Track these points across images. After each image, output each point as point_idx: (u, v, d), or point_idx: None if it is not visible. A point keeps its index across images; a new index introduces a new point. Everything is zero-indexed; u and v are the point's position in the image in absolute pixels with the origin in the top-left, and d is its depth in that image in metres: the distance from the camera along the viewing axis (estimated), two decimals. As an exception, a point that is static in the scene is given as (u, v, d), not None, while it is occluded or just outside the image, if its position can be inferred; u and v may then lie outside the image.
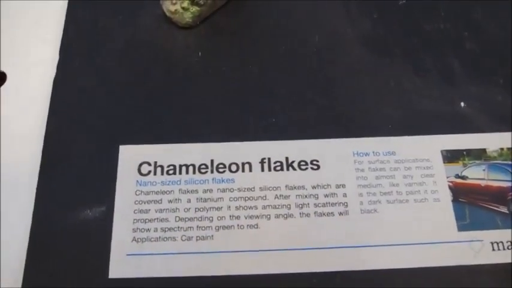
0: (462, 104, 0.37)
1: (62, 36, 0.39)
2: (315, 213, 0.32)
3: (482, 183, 0.33)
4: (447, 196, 0.33)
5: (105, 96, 0.37)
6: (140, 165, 0.34)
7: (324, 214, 0.32)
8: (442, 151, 0.35)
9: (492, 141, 0.35)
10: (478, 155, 0.34)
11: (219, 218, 0.32)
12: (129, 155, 0.34)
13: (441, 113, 0.36)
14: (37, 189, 0.33)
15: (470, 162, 0.34)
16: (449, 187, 0.33)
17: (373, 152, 0.35)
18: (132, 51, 0.39)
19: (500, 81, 0.37)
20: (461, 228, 0.32)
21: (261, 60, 0.39)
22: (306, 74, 0.38)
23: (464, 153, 0.35)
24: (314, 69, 0.38)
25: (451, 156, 0.34)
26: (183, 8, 0.39)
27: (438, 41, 0.40)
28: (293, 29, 0.41)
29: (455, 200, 0.33)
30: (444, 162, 0.34)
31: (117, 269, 0.30)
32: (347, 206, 0.33)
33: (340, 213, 0.32)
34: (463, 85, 0.38)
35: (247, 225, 0.32)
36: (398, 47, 0.40)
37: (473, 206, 0.33)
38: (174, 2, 0.39)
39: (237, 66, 0.38)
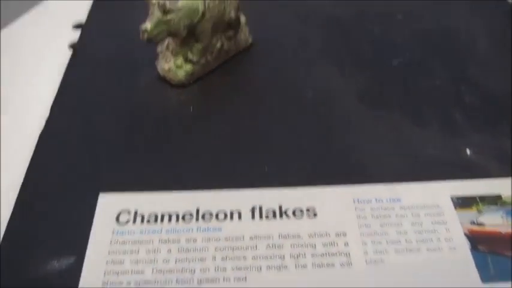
0: (468, 151, 0.34)
1: (56, 93, 0.39)
2: (312, 264, 0.28)
3: (503, 230, 0.30)
4: (464, 244, 0.29)
5: (91, 145, 0.35)
6: (119, 213, 0.31)
7: (323, 265, 0.28)
8: (452, 197, 0.31)
9: (505, 186, 0.32)
10: (494, 200, 0.31)
11: (202, 270, 0.28)
12: (109, 203, 0.31)
13: (447, 159, 0.34)
14: (4, 235, 0.29)
15: (486, 208, 0.31)
16: (466, 235, 0.29)
17: (376, 199, 0.31)
18: (122, 106, 0.38)
19: (505, 128, 0.35)
20: (486, 279, 0.27)
21: (253, 112, 0.38)
22: (300, 125, 0.37)
23: (478, 199, 0.31)
24: (309, 121, 0.37)
25: (463, 203, 0.31)
26: (176, 66, 0.39)
27: (436, 96, 0.39)
28: (287, 85, 0.40)
29: (474, 249, 0.29)
30: (456, 209, 0.31)
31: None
32: (349, 256, 0.28)
33: (342, 264, 0.28)
34: (467, 133, 0.36)
35: (234, 278, 0.28)
36: (394, 101, 0.39)
37: (495, 254, 0.28)
38: (168, 60, 0.40)
39: (229, 118, 0.37)
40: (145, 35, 0.35)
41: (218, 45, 0.40)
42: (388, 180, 0.32)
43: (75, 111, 0.38)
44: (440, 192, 0.32)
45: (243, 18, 0.42)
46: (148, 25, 0.35)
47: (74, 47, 0.44)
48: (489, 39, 0.45)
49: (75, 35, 0.46)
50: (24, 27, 0.48)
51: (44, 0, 0.52)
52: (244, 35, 0.43)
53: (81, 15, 0.49)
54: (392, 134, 0.36)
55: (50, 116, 0.37)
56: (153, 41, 0.36)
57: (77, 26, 0.48)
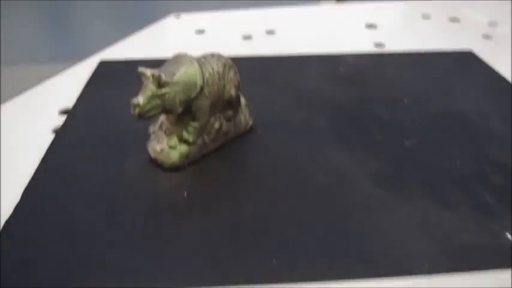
0: (509, 235, 0.29)
1: (30, 179, 0.35)
2: None
3: None
4: None
5: (64, 238, 0.30)
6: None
7: None
8: (504, 291, 0.26)
9: None
10: (554, 294, 0.26)
11: None
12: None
13: (486, 246, 0.29)
14: None
15: (547, 304, 0.25)
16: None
17: (411, 296, 0.26)
18: (106, 193, 0.33)
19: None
20: None
21: (256, 198, 0.33)
22: (311, 212, 0.32)
23: (534, 292, 0.26)
24: (321, 207, 0.32)
25: (518, 298, 0.25)
26: (170, 147, 0.35)
27: (459, 177, 0.35)
28: (293, 169, 0.36)
29: None
30: (512, 305, 0.25)
31: None
32: None
33: None
34: (503, 215, 0.31)
35: None
36: (414, 183, 0.34)
37: None
38: (160, 140, 0.36)
39: (229, 205, 0.32)
40: (137, 110, 0.32)
41: (216, 125, 0.37)
42: (418, 272, 0.27)
43: (50, 198, 0.33)
44: (487, 284, 0.26)
45: (243, 100, 0.39)
46: (140, 99, 0.32)
47: (57, 131, 0.41)
48: (499, 117, 0.43)
49: (62, 120, 0.43)
50: (12, 110, 0.45)
51: (36, 86, 0.50)
52: (245, 117, 0.40)
53: (71, 101, 0.46)
54: (418, 219, 0.31)
55: (19, 204, 0.32)
56: (144, 117, 0.32)
57: (64, 112, 0.45)
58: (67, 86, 0.49)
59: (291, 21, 0.68)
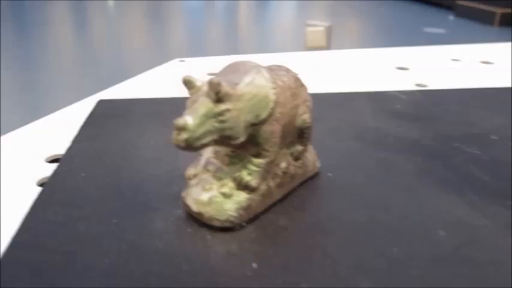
0: None
1: (2, 253, 0.22)
2: None
3: None
4: None
5: None
6: None
7: None
8: None
9: None
10: None
11: None
12: None
13: None
14: None
15: None
16: None
17: None
18: (131, 271, 0.21)
19: None
20: None
21: (360, 269, 0.22)
22: (441, 282, 0.20)
23: None
24: (460, 277, 0.21)
25: None
26: (223, 195, 0.24)
27: None
28: (395, 222, 0.25)
29: None
30: None
31: None
32: None
33: None
34: None
35: None
36: None
37: None
38: (207, 187, 0.24)
39: (321, 280, 0.21)
40: (184, 135, 0.21)
41: (283, 165, 0.26)
42: None
43: (34, 273, 0.21)
44: None
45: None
46: (189, 119, 0.21)
47: (43, 185, 0.29)
48: None
49: (49, 170, 0.31)
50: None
51: (18, 129, 0.37)
52: (312, 157, 0.29)
53: (60, 148, 0.34)
54: None
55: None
56: (194, 148, 0.21)
57: (53, 160, 0.33)
58: (56, 129, 0.38)
59: (312, 65, 0.59)
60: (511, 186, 0.29)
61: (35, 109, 1.66)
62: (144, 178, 0.29)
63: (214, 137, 0.22)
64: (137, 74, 0.58)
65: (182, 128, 0.21)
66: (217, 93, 0.21)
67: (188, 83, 0.22)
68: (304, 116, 0.26)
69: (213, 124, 0.21)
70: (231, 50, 2.57)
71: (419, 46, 0.72)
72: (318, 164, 0.30)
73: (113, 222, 0.25)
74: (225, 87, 0.21)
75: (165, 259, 0.22)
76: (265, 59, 0.61)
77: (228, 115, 0.22)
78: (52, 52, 2.42)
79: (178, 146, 0.21)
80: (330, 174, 0.30)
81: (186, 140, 0.21)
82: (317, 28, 2.12)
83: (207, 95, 0.21)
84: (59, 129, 0.38)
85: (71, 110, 0.42)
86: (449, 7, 3.96)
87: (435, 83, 0.53)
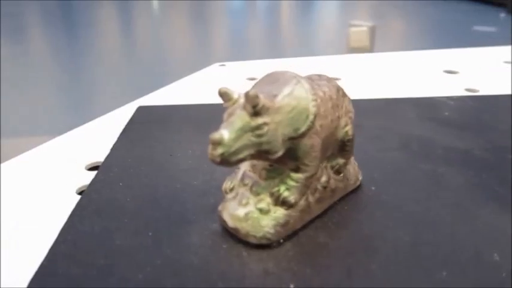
0: None
1: (42, 260, 0.22)
2: None
3: None
4: None
5: None
6: None
7: None
8: None
9: None
10: None
11: None
12: None
13: None
14: None
15: None
16: None
17: None
18: (167, 279, 0.21)
19: None
20: None
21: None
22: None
23: None
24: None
25: None
26: (260, 211, 0.23)
27: None
28: (445, 242, 0.23)
29: None
30: None
31: None
32: None
33: None
34: None
35: None
36: None
37: None
38: (244, 202, 0.23)
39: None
40: (219, 150, 0.20)
41: (323, 179, 0.25)
42: None
43: (70, 286, 0.20)
44: None
45: (351, 143, 0.28)
46: (225, 133, 0.20)
47: (83, 193, 0.29)
48: None
49: (89, 178, 0.31)
50: (29, 163, 0.33)
51: (57, 137, 0.38)
52: (354, 169, 0.28)
53: (99, 156, 0.34)
54: None
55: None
56: (230, 163, 0.21)
57: (92, 168, 0.33)
58: (97, 136, 0.38)
59: (355, 68, 0.58)
60: None
61: (78, 109, 1.72)
62: (181, 188, 0.29)
63: (251, 151, 0.21)
64: (179, 76, 0.58)
65: (218, 143, 0.20)
66: (254, 106, 0.20)
67: (224, 95, 0.21)
68: (347, 128, 0.25)
69: (249, 138, 0.21)
70: (272, 51, 2.57)
71: (468, 48, 0.69)
72: (360, 177, 0.28)
73: (148, 235, 0.24)
74: (263, 100, 0.20)
75: (199, 275, 0.21)
76: (305, 63, 0.60)
77: (265, 129, 0.21)
78: (97, 52, 2.49)
79: (214, 161, 0.20)
80: (373, 188, 0.28)
81: (222, 155, 0.20)
82: (360, 28, 2.08)
83: (244, 107, 0.21)
84: (99, 136, 0.38)
85: (112, 116, 0.42)
86: (501, 4, 3.79)
87: (486, 88, 0.50)
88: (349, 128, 0.25)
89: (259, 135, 0.21)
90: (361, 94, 0.48)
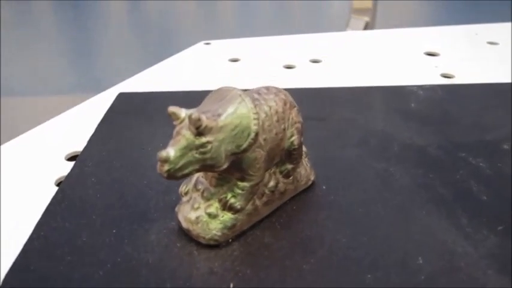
0: None
1: (19, 251, 0.25)
2: None
3: None
4: None
5: None
6: None
7: None
8: None
9: None
10: None
11: None
12: None
13: None
14: None
15: None
16: None
17: None
18: (119, 279, 0.24)
19: None
20: None
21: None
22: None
23: None
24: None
25: None
26: (209, 215, 0.25)
27: None
28: (379, 245, 0.26)
29: None
30: None
31: None
32: None
33: None
34: None
35: None
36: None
37: None
38: (195, 206, 0.26)
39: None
40: (166, 167, 0.22)
41: (271, 184, 0.27)
42: None
43: (41, 281, 0.23)
44: None
45: (304, 147, 0.30)
46: (171, 151, 0.22)
47: (58, 188, 0.31)
48: None
49: (67, 169, 0.33)
50: (10, 153, 0.36)
51: (40, 125, 0.41)
52: (305, 170, 0.30)
53: (79, 145, 0.37)
54: None
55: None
56: (176, 177, 0.23)
57: (71, 158, 0.36)
58: (77, 124, 0.40)
59: (338, 48, 0.59)
60: (510, 207, 0.29)
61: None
62: (147, 185, 0.31)
63: (196, 166, 0.23)
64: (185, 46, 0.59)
65: (164, 160, 0.22)
66: (197, 128, 0.22)
67: (173, 115, 0.23)
68: (292, 139, 0.27)
69: (194, 155, 0.23)
70: (269, 22, 2.51)
71: (451, 26, 0.68)
72: (312, 177, 0.30)
73: (112, 232, 0.27)
74: (205, 121, 0.22)
75: (151, 274, 0.24)
76: (286, 42, 0.60)
77: (209, 146, 0.23)
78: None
79: (162, 176, 0.23)
80: (324, 187, 0.31)
81: (168, 171, 0.22)
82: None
83: (189, 127, 0.23)
84: (80, 124, 0.40)
85: (93, 103, 0.44)
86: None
87: (463, 74, 0.51)
88: (294, 138, 0.27)
89: (203, 153, 0.23)
90: (338, 78, 0.49)
